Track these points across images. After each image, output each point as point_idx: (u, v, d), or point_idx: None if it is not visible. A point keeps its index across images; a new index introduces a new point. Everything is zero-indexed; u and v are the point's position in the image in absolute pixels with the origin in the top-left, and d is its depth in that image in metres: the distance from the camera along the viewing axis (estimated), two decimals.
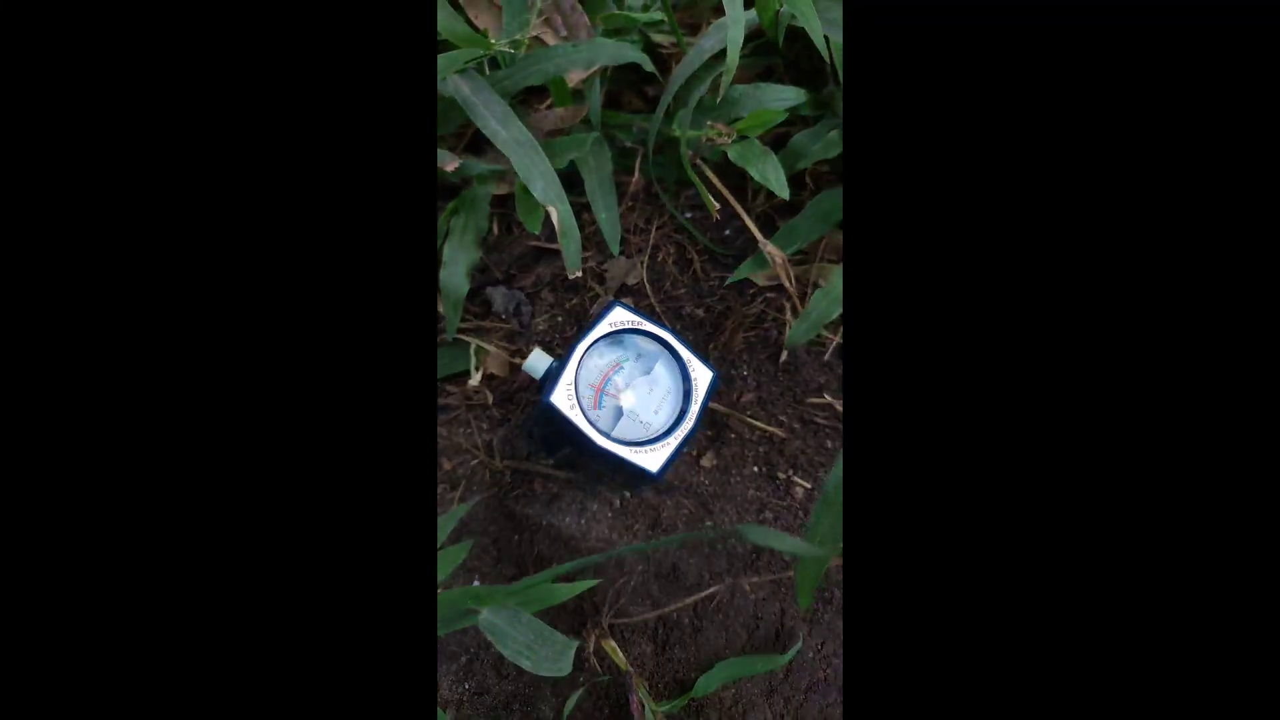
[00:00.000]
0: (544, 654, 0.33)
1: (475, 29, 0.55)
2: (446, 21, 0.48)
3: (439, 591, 0.41)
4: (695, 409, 0.44)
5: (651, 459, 0.42)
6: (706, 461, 0.57)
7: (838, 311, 0.51)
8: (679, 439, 0.43)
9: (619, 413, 0.44)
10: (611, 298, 0.56)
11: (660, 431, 0.43)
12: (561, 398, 0.42)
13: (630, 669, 0.49)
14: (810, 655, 0.52)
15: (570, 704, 0.46)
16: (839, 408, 0.57)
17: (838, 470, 0.41)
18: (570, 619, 0.53)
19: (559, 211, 0.51)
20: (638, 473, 0.42)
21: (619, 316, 0.44)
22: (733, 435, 0.57)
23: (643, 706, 0.47)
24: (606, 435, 0.42)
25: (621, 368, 0.45)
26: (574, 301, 0.59)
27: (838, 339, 0.58)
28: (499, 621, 0.33)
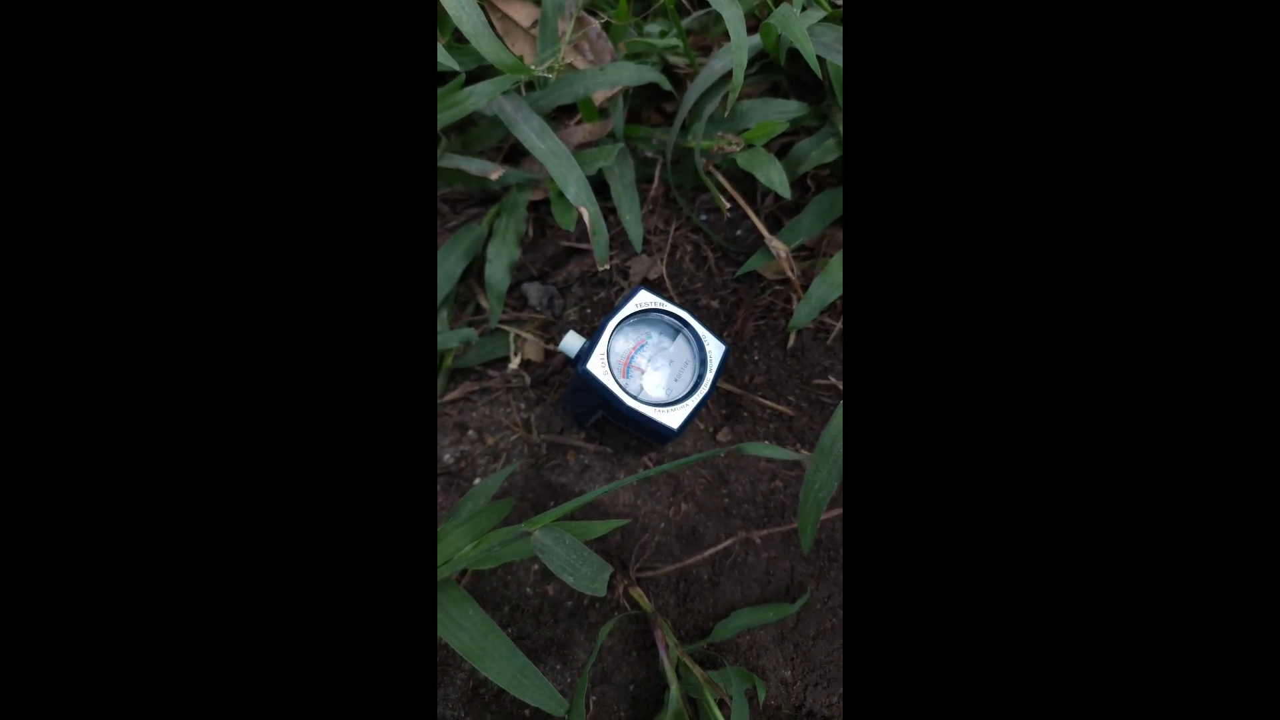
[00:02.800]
0: (584, 572, 0.39)
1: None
2: (493, 50, 0.55)
3: (490, 531, 0.47)
4: (710, 376, 0.50)
5: (673, 418, 0.48)
6: (722, 437, 0.62)
7: (836, 295, 0.57)
8: (696, 401, 0.49)
9: (644, 380, 0.50)
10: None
11: (680, 396, 0.49)
12: (596, 366, 0.48)
13: (655, 612, 0.55)
14: (818, 606, 0.57)
15: (604, 632, 0.52)
16: (842, 388, 0.62)
17: (835, 422, 0.47)
18: None
19: (590, 211, 0.57)
20: (661, 430, 0.48)
21: (643, 299, 0.51)
22: (746, 414, 0.63)
23: (667, 645, 0.53)
24: (634, 398, 0.48)
25: (645, 343, 0.51)
26: (601, 295, 0.65)
27: (839, 325, 0.64)
28: (548, 541, 0.39)
